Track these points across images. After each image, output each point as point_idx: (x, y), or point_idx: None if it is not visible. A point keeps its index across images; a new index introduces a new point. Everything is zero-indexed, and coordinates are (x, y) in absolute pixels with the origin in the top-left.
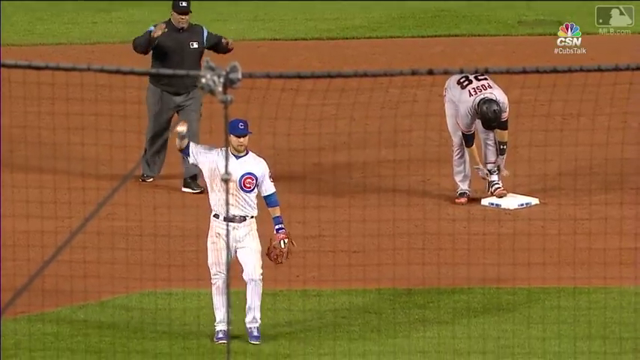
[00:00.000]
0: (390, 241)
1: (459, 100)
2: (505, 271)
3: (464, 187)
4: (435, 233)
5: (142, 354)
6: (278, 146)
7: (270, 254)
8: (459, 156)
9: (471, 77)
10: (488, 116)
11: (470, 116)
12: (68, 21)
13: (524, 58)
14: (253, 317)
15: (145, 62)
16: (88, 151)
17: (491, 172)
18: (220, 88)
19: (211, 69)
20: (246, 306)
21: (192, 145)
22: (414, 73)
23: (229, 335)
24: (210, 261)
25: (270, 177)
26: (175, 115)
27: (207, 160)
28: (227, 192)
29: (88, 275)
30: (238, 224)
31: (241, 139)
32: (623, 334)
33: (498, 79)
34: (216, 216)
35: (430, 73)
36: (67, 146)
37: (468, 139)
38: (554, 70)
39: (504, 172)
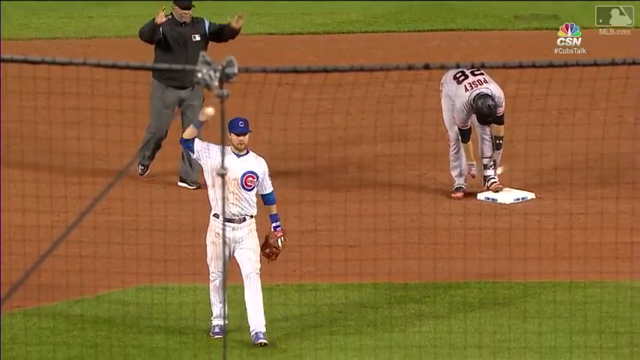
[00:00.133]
0: (386, 235)
1: (455, 95)
2: (501, 265)
3: (460, 181)
4: (431, 228)
5: (138, 348)
6: (274, 141)
7: (266, 251)
8: (455, 151)
9: (467, 72)
10: (484, 111)
11: (466, 111)
12: (64, 15)
13: (520, 52)
14: (258, 322)
15: (141, 55)
16: (84, 146)
17: (487, 167)
18: (216, 83)
19: (207, 63)
20: (248, 311)
21: (197, 140)
22: (410, 67)
23: (226, 330)
24: (209, 260)
25: (269, 176)
26: (176, 114)
27: (209, 158)
28: (223, 186)
29: (84, 270)
30: (238, 224)
31: (241, 138)
32: (619, 328)
33: (494, 73)
34: (217, 216)
35: (426, 67)
36: (63, 141)
37: (464, 134)
38: (551, 65)
39: (500, 170)
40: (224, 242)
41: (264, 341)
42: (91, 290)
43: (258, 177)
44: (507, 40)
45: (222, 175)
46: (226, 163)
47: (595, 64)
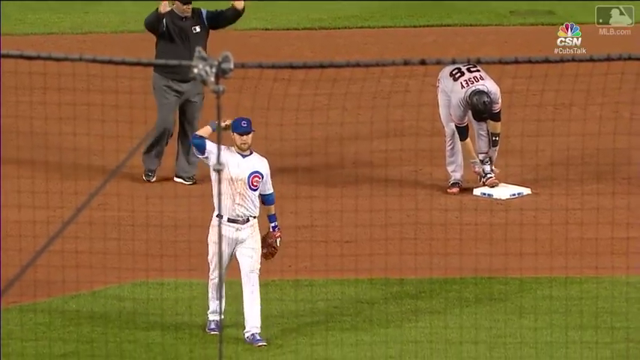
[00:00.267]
0: (382, 231)
1: (451, 92)
2: (497, 261)
3: (456, 177)
4: (427, 223)
5: (134, 344)
6: (270, 136)
7: (264, 251)
8: (451, 146)
9: (464, 69)
10: (479, 108)
11: (462, 108)
12: (60, 10)
13: (516, 47)
14: (254, 325)
15: (138, 51)
16: (80, 141)
17: (483, 163)
18: (212, 78)
19: (203, 59)
20: (245, 311)
21: (209, 141)
22: (406, 63)
23: (222, 326)
24: (210, 258)
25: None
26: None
27: (216, 159)
28: (219, 183)
29: (80, 265)
30: (242, 225)
31: (244, 137)
32: (615, 323)
33: (490, 69)
34: (220, 216)
35: (422, 63)
36: (58, 136)
37: (462, 132)
38: (546, 60)
39: (496, 170)
40: (225, 242)
41: (264, 343)
42: (87, 286)
43: (263, 177)
44: (503, 35)
45: (218, 172)
46: (232, 164)
47: (591, 60)
